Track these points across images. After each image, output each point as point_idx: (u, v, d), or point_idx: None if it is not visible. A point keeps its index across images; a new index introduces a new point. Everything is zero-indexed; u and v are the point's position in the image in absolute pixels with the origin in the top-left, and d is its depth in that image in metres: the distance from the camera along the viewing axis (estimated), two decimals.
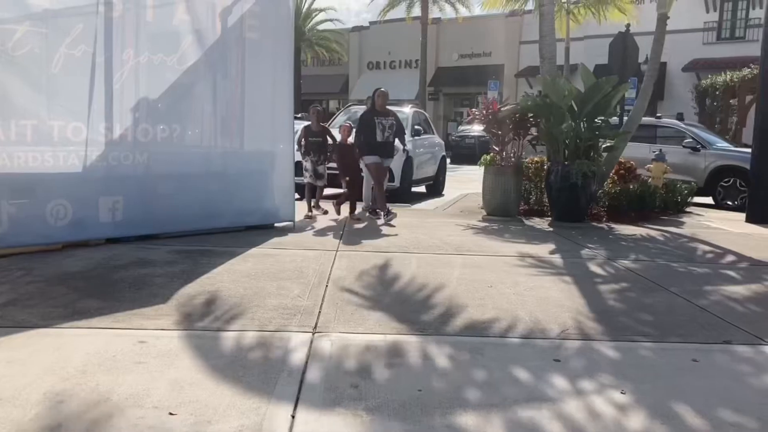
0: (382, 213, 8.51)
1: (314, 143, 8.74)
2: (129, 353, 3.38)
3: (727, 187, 12.70)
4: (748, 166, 11.81)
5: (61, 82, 5.86)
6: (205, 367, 3.25)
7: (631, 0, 17.40)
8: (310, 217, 8.54)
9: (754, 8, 27.44)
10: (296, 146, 8.55)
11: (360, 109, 14.44)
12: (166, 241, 6.40)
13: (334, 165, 9.21)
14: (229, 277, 5.08)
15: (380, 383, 3.15)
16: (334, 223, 8.22)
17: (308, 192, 8.91)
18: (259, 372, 3.21)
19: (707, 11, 28.94)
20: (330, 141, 8.88)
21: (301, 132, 8.84)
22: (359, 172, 9.06)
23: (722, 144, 13.81)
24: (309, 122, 9.12)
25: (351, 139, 9.03)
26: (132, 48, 6.32)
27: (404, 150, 9.99)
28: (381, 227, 7.99)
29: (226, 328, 3.88)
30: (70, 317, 3.95)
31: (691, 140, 13.21)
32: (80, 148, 6.03)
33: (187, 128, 6.93)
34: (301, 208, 8.43)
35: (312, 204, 8.91)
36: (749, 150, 12.84)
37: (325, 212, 8.88)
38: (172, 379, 3.06)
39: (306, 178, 8.86)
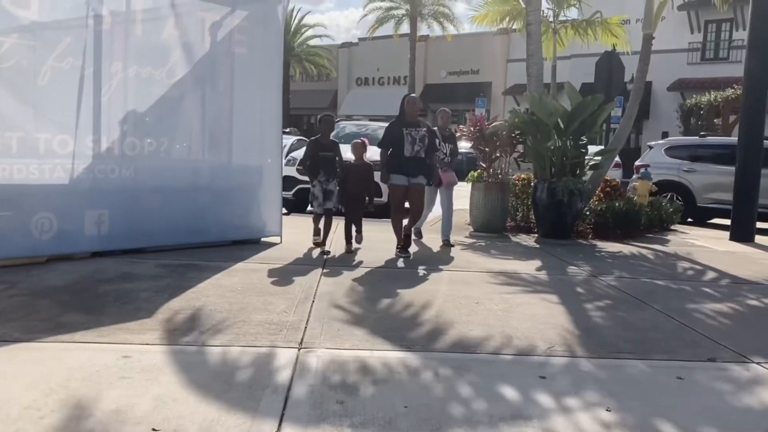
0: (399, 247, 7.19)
1: (325, 159, 7.22)
2: (113, 368, 3.35)
3: None
4: None
5: (48, 94, 5.85)
6: (189, 382, 3.22)
7: (618, 22, 17.62)
8: (327, 253, 7.01)
9: (737, 30, 27.87)
10: (285, 160, 8.45)
11: (349, 125, 14.51)
12: (152, 255, 6.37)
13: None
14: (214, 292, 5.05)
15: (366, 400, 3.14)
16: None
17: (315, 222, 7.48)
18: (244, 388, 3.19)
19: (692, 32, 29.37)
20: (338, 159, 7.36)
21: (308, 148, 7.46)
22: (377, 192, 7.86)
23: None
24: (310, 136, 7.82)
25: (369, 157, 7.69)
26: (120, 61, 6.32)
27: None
28: (367, 244, 7.96)
29: (211, 344, 3.85)
30: (54, 331, 3.91)
31: None
32: (66, 160, 6.00)
33: (174, 142, 6.92)
34: (296, 233, 8.38)
35: (348, 238, 7.36)
36: None
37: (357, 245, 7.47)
38: (156, 395, 3.04)
39: (314, 207, 7.42)
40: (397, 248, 7.20)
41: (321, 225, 7.39)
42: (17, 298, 4.64)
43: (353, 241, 7.40)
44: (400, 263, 6.70)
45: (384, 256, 7.02)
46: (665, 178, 12.85)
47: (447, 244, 8.04)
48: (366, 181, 7.41)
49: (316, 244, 7.37)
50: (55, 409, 2.84)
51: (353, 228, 7.42)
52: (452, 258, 7.21)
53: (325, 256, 6.85)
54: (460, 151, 8.70)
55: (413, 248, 7.46)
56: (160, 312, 4.43)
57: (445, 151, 8.20)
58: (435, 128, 7.97)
